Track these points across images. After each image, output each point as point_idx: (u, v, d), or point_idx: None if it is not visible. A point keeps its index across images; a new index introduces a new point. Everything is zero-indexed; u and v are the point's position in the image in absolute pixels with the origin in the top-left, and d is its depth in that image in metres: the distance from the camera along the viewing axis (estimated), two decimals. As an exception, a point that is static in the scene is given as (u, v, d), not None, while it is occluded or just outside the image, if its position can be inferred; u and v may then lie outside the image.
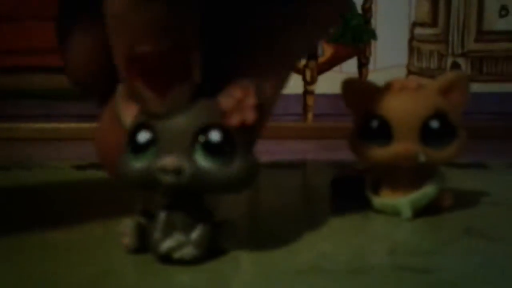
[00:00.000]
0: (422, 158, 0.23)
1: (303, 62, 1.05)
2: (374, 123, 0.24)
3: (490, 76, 1.24)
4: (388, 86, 0.25)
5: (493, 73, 1.24)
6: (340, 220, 0.24)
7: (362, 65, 1.12)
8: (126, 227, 0.18)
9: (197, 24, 0.17)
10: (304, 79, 1.02)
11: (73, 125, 1.00)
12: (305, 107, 1.02)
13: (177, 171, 0.17)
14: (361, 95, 0.25)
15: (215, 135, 0.17)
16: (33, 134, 1.02)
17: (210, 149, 0.17)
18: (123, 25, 0.16)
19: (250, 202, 0.28)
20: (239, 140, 0.17)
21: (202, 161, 0.17)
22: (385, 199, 0.25)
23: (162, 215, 0.18)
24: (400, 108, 0.23)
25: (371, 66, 1.15)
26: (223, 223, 0.19)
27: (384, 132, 0.24)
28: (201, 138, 0.17)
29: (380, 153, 0.24)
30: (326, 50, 1.09)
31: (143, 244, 0.18)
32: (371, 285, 0.16)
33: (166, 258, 0.18)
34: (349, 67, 1.20)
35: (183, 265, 0.17)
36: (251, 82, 0.17)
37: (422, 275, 0.17)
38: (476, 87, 1.23)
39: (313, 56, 1.03)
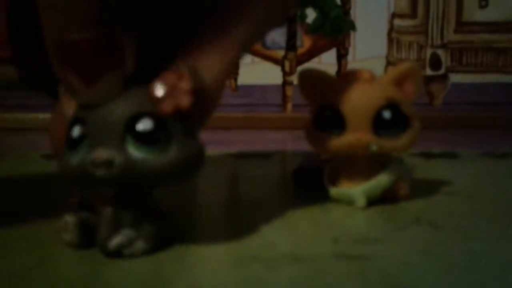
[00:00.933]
0: (374, 147, 0.23)
1: (282, 53, 1.05)
2: (328, 113, 0.24)
3: (470, 67, 1.24)
4: (342, 77, 0.25)
5: (473, 64, 1.25)
6: (295, 209, 0.24)
7: (341, 56, 1.12)
8: (67, 223, 0.18)
9: (130, 11, 0.17)
10: (283, 70, 1.02)
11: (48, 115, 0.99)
12: (284, 98, 1.02)
13: (108, 163, 0.16)
14: (317, 86, 0.25)
15: (146, 124, 0.17)
16: (12, 124, 1.01)
17: (142, 138, 0.17)
18: (53, 13, 0.16)
19: (209, 192, 0.28)
20: (175, 127, 0.17)
21: (134, 151, 0.16)
22: (341, 188, 0.25)
23: (108, 211, 0.18)
24: (352, 99, 0.24)
25: (350, 57, 1.15)
26: (170, 216, 0.19)
27: (338, 122, 0.24)
28: (131, 128, 0.17)
29: (333, 143, 0.24)
30: (305, 41, 1.09)
31: (86, 239, 0.18)
32: (306, 273, 0.16)
33: (115, 254, 0.17)
34: (328, 58, 1.20)
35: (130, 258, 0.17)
36: (185, 67, 0.17)
37: (359, 263, 0.17)
38: (456, 78, 1.23)
39: (292, 47, 1.03)
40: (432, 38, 1.23)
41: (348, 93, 0.24)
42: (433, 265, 0.17)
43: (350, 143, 0.24)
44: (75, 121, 0.17)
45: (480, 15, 1.25)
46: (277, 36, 1.07)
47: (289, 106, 0.98)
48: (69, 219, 0.18)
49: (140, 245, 0.17)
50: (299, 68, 0.27)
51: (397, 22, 1.28)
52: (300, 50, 1.05)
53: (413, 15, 1.26)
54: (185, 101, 0.17)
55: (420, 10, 1.25)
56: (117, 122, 0.17)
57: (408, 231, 0.20)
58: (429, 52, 1.23)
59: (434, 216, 0.23)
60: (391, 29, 1.29)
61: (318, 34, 1.08)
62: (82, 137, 0.17)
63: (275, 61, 1.06)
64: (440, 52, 1.23)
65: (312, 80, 0.25)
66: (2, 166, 0.39)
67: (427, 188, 0.28)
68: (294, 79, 0.98)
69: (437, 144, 0.58)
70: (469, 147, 0.61)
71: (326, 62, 1.24)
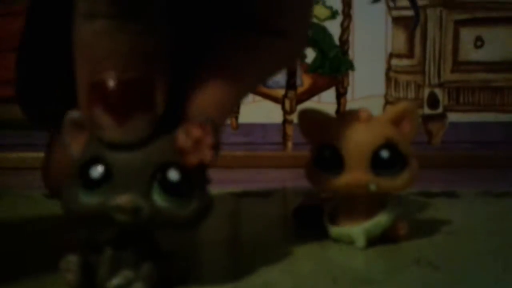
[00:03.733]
0: (372, 187, 0.24)
1: (282, 92, 1.07)
2: (327, 153, 0.24)
3: (467, 106, 1.26)
4: (340, 117, 0.25)
5: (470, 103, 1.26)
6: (295, 248, 0.24)
7: (340, 95, 1.14)
8: (69, 263, 0.18)
9: (165, 54, 0.17)
10: (283, 108, 1.03)
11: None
12: (284, 136, 1.03)
13: (135, 211, 0.16)
14: (316, 125, 0.25)
15: (174, 174, 0.16)
16: (13, 163, 1.01)
17: (169, 188, 0.17)
18: (88, 52, 0.16)
19: (209, 230, 0.28)
20: (196, 179, 0.17)
21: (160, 200, 0.16)
22: (340, 227, 0.25)
23: (108, 251, 0.17)
24: (350, 138, 0.24)
25: (349, 96, 1.17)
26: (170, 256, 0.18)
27: (336, 162, 0.24)
28: (159, 176, 0.16)
29: (332, 182, 0.24)
30: (305, 81, 1.11)
31: (87, 281, 0.18)
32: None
33: None
34: (328, 97, 1.22)
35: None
36: (208, 120, 0.17)
37: (359, 304, 0.17)
38: (453, 117, 1.25)
39: (292, 86, 1.04)
40: (429, 78, 1.25)
41: (346, 133, 0.24)
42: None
43: (348, 183, 0.24)
44: (95, 160, 0.17)
45: (476, 55, 1.27)
46: (277, 76, 1.09)
47: (289, 144, 0.99)
48: (72, 259, 0.18)
49: (139, 286, 0.17)
50: (299, 107, 0.28)
51: (395, 62, 1.31)
52: (300, 89, 1.07)
53: (410, 55, 1.28)
54: (208, 155, 0.17)
55: (417, 50, 1.28)
56: (146, 168, 0.16)
57: (408, 272, 0.20)
58: (426, 91, 1.24)
59: (434, 256, 0.22)
60: (388, 68, 1.31)
61: (318, 74, 1.10)
62: (101, 179, 0.17)
63: (275, 99, 1.07)
64: (438, 91, 1.25)
65: (311, 119, 0.26)
66: (2, 205, 0.39)
67: (426, 227, 0.28)
68: (294, 117, 0.99)
69: (436, 184, 0.58)
70: (468, 186, 0.61)
71: (326, 101, 1.26)
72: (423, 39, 1.27)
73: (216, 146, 0.17)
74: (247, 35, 0.20)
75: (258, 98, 1.29)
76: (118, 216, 0.16)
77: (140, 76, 0.16)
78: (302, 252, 0.23)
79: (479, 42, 1.29)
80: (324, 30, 1.12)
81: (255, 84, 0.22)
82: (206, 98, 0.18)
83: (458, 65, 1.28)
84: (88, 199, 0.17)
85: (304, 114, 0.26)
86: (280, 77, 1.10)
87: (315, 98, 1.16)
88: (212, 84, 0.19)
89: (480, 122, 1.40)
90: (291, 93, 1.04)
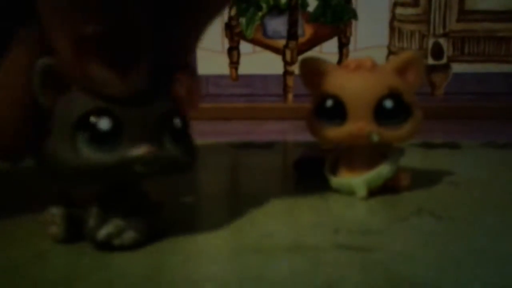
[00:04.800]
0: (375, 137, 0.23)
1: (283, 42, 1.05)
2: (329, 103, 0.24)
3: (472, 57, 1.24)
4: (343, 66, 0.24)
5: (475, 53, 1.24)
6: (296, 199, 0.24)
7: (343, 45, 1.12)
8: (53, 216, 0.17)
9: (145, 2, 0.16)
10: (284, 59, 1.02)
11: None
12: (285, 88, 1.01)
13: (156, 161, 0.16)
14: (318, 75, 0.25)
15: (178, 122, 0.17)
16: None
17: (176, 135, 0.17)
18: (67, 7, 0.15)
19: (208, 182, 0.28)
20: (188, 125, 0.18)
21: (172, 148, 0.17)
22: (341, 178, 0.25)
23: (97, 204, 0.17)
24: (353, 88, 0.23)
25: (351, 46, 1.15)
26: (160, 205, 0.18)
27: (339, 112, 0.24)
28: (168, 125, 0.17)
29: (334, 132, 0.24)
30: (306, 30, 1.09)
31: (73, 233, 0.17)
32: (306, 264, 0.16)
33: (105, 245, 0.17)
34: (330, 48, 1.19)
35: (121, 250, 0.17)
36: (194, 70, 0.18)
37: (360, 254, 0.17)
38: (457, 68, 1.23)
39: (293, 36, 1.02)
40: (434, 27, 1.22)
41: (349, 82, 0.23)
42: (434, 257, 0.16)
43: (351, 133, 0.23)
44: (99, 112, 0.16)
45: (483, 4, 1.24)
46: (278, 25, 1.07)
47: (290, 96, 0.98)
48: (55, 211, 0.17)
49: (130, 235, 0.17)
50: (300, 58, 0.27)
51: (399, 11, 1.27)
52: (301, 40, 1.05)
53: (415, 3, 1.25)
54: (197, 102, 0.17)
55: (422, -1, 1.24)
56: (155, 118, 0.16)
57: (409, 222, 0.20)
58: (431, 41, 1.22)
59: (435, 207, 0.22)
60: (392, 18, 1.28)
61: (320, 23, 1.07)
62: (111, 132, 0.16)
63: (276, 50, 1.05)
64: (442, 41, 1.22)
65: (313, 69, 0.25)
66: None
67: (428, 178, 0.28)
68: (295, 68, 0.97)
69: (438, 134, 0.57)
70: (470, 137, 0.61)
71: (328, 51, 1.23)
72: (429, -14, 1.24)
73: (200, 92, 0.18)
74: None
75: (258, 49, 1.27)
76: (139, 168, 0.16)
77: (124, 24, 0.16)
78: (303, 203, 0.23)
79: (486, -10, 1.25)
80: (327, -23, 1.09)
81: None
82: (185, 46, 0.18)
83: (464, 14, 1.25)
84: (98, 154, 0.16)
85: (306, 63, 0.25)
86: (281, 27, 1.08)
87: (317, 49, 1.14)
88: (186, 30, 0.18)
89: (484, 73, 1.38)
90: (292, 44, 1.02)
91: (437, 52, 1.23)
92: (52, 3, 0.15)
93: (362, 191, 0.24)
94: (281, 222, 0.20)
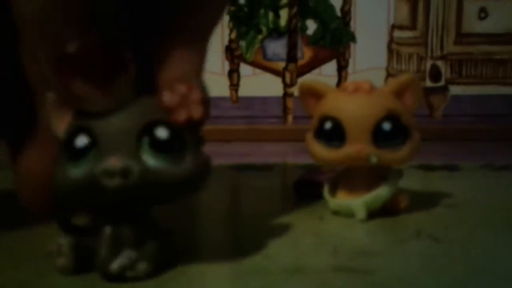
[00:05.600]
0: (374, 159, 0.23)
1: (282, 64, 1.06)
2: (328, 125, 0.24)
3: (470, 79, 1.25)
4: (342, 88, 0.25)
5: (472, 76, 1.25)
6: (296, 221, 0.24)
7: (342, 68, 1.13)
8: (60, 247, 0.17)
9: (122, 16, 0.16)
10: (284, 81, 1.03)
11: None
12: (285, 110, 1.02)
13: (125, 172, 0.15)
14: (316, 97, 0.25)
15: (162, 132, 0.16)
16: None
17: (158, 146, 0.16)
18: (46, 24, 0.15)
19: (209, 204, 0.28)
20: (188, 137, 0.16)
21: (151, 160, 0.16)
22: (341, 200, 0.25)
23: (107, 231, 0.17)
24: (352, 110, 0.24)
25: (350, 68, 1.16)
26: (169, 233, 0.18)
27: (338, 134, 0.24)
28: (147, 135, 0.16)
29: (333, 154, 0.24)
30: (306, 53, 1.10)
31: (82, 265, 0.17)
32: (306, 285, 0.16)
33: (117, 278, 0.16)
34: (329, 70, 1.20)
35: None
36: (193, 78, 0.17)
37: (359, 276, 0.17)
38: (455, 90, 1.24)
39: (292, 58, 1.03)
40: (431, 50, 1.24)
41: (348, 105, 0.24)
42: (432, 279, 0.16)
43: (349, 155, 0.23)
44: (78, 130, 0.16)
45: (479, 27, 1.26)
46: (277, 48, 1.08)
47: (290, 117, 0.99)
48: (63, 241, 0.17)
49: (143, 266, 0.16)
50: (300, 80, 0.28)
51: (397, 33, 1.29)
52: (301, 62, 1.06)
53: (412, 26, 1.27)
54: (197, 111, 0.16)
55: (420, 22, 1.26)
56: (132, 129, 0.16)
57: (408, 244, 0.20)
58: (429, 63, 1.23)
59: (434, 229, 0.22)
60: (391, 40, 1.30)
61: (319, 46, 1.08)
62: (87, 148, 0.16)
63: (276, 72, 1.06)
64: (440, 63, 1.23)
65: (312, 91, 0.25)
66: None
67: (427, 200, 0.28)
68: (295, 90, 0.98)
69: (437, 156, 0.58)
70: (469, 159, 0.61)
71: (327, 73, 1.25)
72: (426, 10, 1.25)
73: (205, 102, 0.16)
74: None
75: (258, 71, 1.28)
76: (108, 181, 0.15)
77: (104, 40, 0.15)
78: (302, 225, 0.23)
79: (482, 14, 1.27)
80: (325, 1, 1.10)
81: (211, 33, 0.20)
82: (183, 60, 0.18)
83: (461, 37, 1.27)
84: (76, 170, 0.16)
85: (305, 85, 0.26)
86: (281, 50, 1.09)
87: (316, 71, 1.15)
88: (184, 45, 0.18)
89: (482, 95, 1.39)
90: (291, 66, 1.03)
91: (435, 74, 1.24)
92: (32, 17, 0.15)
93: (361, 213, 0.24)
94: (281, 244, 0.20)
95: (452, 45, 1.26)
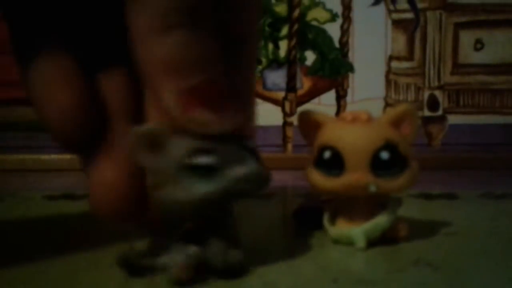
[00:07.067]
0: (373, 188, 0.24)
1: (282, 94, 1.07)
2: (327, 154, 0.24)
3: (467, 108, 1.26)
4: (340, 118, 0.25)
5: (470, 105, 1.26)
6: (295, 249, 0.24)
7: (340, 97, 1.14)
8: (179, 260, 0.19)
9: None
10: (283, 111, 1.04)
11: (53, 156, 0.99)
12: (284, 138, 1.03)
13: (253, 176, 0.18)
14: (315, 127, 0.26)
15: (249, 142, 0.20)
16: (14, 165, 1.01)
17: (252, 153, 0.19)
18: (173, 65, 0.17)
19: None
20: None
21: (254, 165, 0.19)
22: (340, 229, 0.25)
23: (216, 236, 0.19)
24: (351, 139, 0.24)
25: (349, 98, 1.17)
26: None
27: (336, 163, 0.24)
28: (244, 146, 0.19)
29: (332, 183, 0.24)
30: (305, 83, 1.11)
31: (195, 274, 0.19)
32: (307, 314, 0.16)
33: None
34: (328, 99, 1.21)
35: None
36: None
37: (359, 304, 0.17)
38: (453, 119, 1.25)
39: (292, 88, 1.04)
40: (429, 80, 1.25)
41: (346, 134, 0.24)
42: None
43: (348, 184, 0.24)
44: (201, 152, 0.18)
45: (475, 57, 1.27)
46: (277, 78, 1.09)
47: (289, 146, 0.99)
48: (177, 256, 0.19)
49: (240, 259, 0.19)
50: (299, 109, 0.28)
51: (395, 64, 1.31)
52: (300, 92, 1.07)
53: (410, 57, 1.28)
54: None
55: (417, 53, 1.28)
56: (242, 144, 0.19)
57: (407, 273, 0.20)
58: (426, 93, 1.24)
59: (433, 257, 0.23)
60: (388, 71, 1.31)
61: (318, 76, 1.10)
62: (210, 167, 0.18)
63: (275, 102, 1.07)
64: (438, 93, 1.25)
65: (311, 121, 0.26)
66: (3, 206, 0.39)
67: (426, 229, 0.28)
68: (295, 120, 0.99)
69: (436, 185, 0.58)
70: (468, 188, 0.61)
71: (326, 103, 1.25)
72: (423, 41, 1.27)
73: None
74: None
75: (258, 100, 1.29)
76: (240, 186, 0.18)
77: (219, 74, 0.18)
78: (302, 253, 0.23)
79: (479, 45, 1.29)
80: (324, 32, 1.12)
81: None
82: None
83: (458, 67, 1.28)
84: (206, 186, 0.18)
85: (304, 115, 0.26)
86: (280, 80, 1.10)
87: (315, 100, 1.16)
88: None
89: (480, 124, 1.40)
90: (291, 96, 1.04)
91: (433, 104, 1.25)
92: (157, 66, 0.17)
93: (361, 242, 0.24)
94: (281, 272, 0.20)
95: (449, 75, 1.28)
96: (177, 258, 0.19)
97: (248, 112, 0.21)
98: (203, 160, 0.18)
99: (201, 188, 0.18)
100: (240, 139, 0.19)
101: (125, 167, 0.20)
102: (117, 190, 0.20)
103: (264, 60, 1.09)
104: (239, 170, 0.18)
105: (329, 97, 1.18)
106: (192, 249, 0.19)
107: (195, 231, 0.19)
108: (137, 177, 0.20)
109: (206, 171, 0.18)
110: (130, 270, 0.19)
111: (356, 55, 1.36)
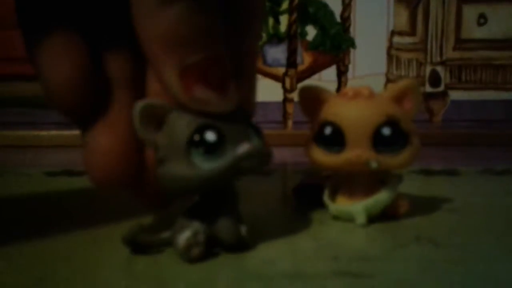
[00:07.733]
0: (373, 164, 0.24)
1: (282, 70, 1.06)
2: (328, 130, 0.24)
3: (469, 84, 1.25)
4: (342, 94, 0.25)
5: (472, 81, 1.25)
6: (295, 226, 0.24)
7: (341, 73, 1.12)
8: (191, 238, 0.19)
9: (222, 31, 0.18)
10: (283, 87, 1.03)
11: (52, 132, 0.99)
12: (285, 115, 1.02)
13: (258, 153, 0.19)
14: (316, 102, 0.25)
15: (251, 121, 0.20)
16: (13, 141, 1.01)
17: (256, 131, 0.20)
18: (174, 40, 0.17)
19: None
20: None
21: (258, 142, 0.19)
22: (340, 205, 0.25)
23: (230, 212, 0.20)
24: (352, 115, 0.24)
25: (350, 74, 1.16)
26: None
27: (337, 139, 0.24)
28: (249, 124, 0.20)
29: (333, 159, 0.24)
30: (305, 59, 1.10)
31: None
32: (306, 291, 0.16)
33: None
34: (329, 75, 1.20)
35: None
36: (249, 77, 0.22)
37: (360, 281, 0.17)
38: (454, 95, 1.24)
39: (292, 64, 1.03)
40: (431, 55, 1.24)
41: (347, 110, 0.24)
42: (433, 284, 0.17)
43: (349, 160, 0.24)
44: (206, 127, 0.18)
45: (478, 33, 1.26)
46: (277, 54, 1.08)
47: (289, 123, 0.99)
48: (189, 234, 0.19)
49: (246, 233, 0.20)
50: (300, 85, 0.28)
51: (396, 39, 1.29)
52: (301, 67, 1.06)
53: (412, 32, 1.27)
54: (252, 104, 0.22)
55: (419, 28, 1.26)
56: (245, 121, 0.19)
57: (408, 249, 0.20)
58: (428, 69, 1.23)
59: (434, 234, 0.22)
60: (390, 46, 1.30)
61: (319, 51, 1.09)
62: (216, 144, 0.18)
63: (275, 78, 1.06)
64: (439, 69, 1.23)
65: (312, 97, 0.25)
66: (3, 182, 0.39)
67: (427, 205, 0.28)
68: (295, 96, 0.98)
69: (437, 161, 0.58)
70: (469, 164, 0.61)
71: (327, 79, 1.25)
72: (426, 16, 1.26)
73: None
74: None
75: (258, 76, 1.28)
76: (245, 163, 0.18)
77: (221, 51, 0.18)
78: (302, 230, 0.23)
79: (482, 20, 1.28)
80: (325, 7, 1.11)
81: None
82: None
83: (461, 42, 1.27)
84: (211, 163, 0.18)
85: (305, 91, 0.26)
86: (280, 55, 1.09)
87: (316, 76, 1.15)
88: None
89: (482, 100, 1.39)
90: (291, 71, 1.03)
91: (435, 79, 1.24)
92: (157, 40, 0.17)
93: (361, 218, 0.24)
94: (281, 249, 0.20)
95: (451, 51, 1.26)
96: (184, 234, 0.19)
97: (251, 89, 0.21)
98: (208, 136, 0.18)
99: (206, 164, 0.18)
100: (244, 115, 0.19)
101: (123, 135, 0.20)
102: (110, 155, 0.20)
103: (264, 35, 1.08)
104: (244, 147, 0.18)
105: (330, 73, 1.17)
106: (198, 225, 0.19)
107: (200, 207, 0.19)
108: (134, 146, 0.20)
109: (211, 148, 0.18)
110: (135, 247, 0.19)
111: (357, 31, 1.35)
